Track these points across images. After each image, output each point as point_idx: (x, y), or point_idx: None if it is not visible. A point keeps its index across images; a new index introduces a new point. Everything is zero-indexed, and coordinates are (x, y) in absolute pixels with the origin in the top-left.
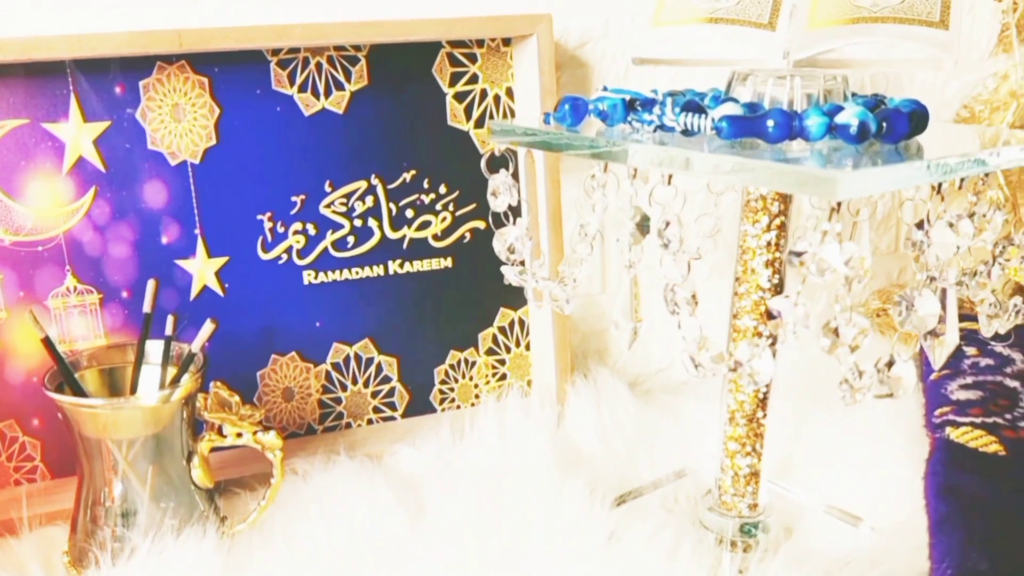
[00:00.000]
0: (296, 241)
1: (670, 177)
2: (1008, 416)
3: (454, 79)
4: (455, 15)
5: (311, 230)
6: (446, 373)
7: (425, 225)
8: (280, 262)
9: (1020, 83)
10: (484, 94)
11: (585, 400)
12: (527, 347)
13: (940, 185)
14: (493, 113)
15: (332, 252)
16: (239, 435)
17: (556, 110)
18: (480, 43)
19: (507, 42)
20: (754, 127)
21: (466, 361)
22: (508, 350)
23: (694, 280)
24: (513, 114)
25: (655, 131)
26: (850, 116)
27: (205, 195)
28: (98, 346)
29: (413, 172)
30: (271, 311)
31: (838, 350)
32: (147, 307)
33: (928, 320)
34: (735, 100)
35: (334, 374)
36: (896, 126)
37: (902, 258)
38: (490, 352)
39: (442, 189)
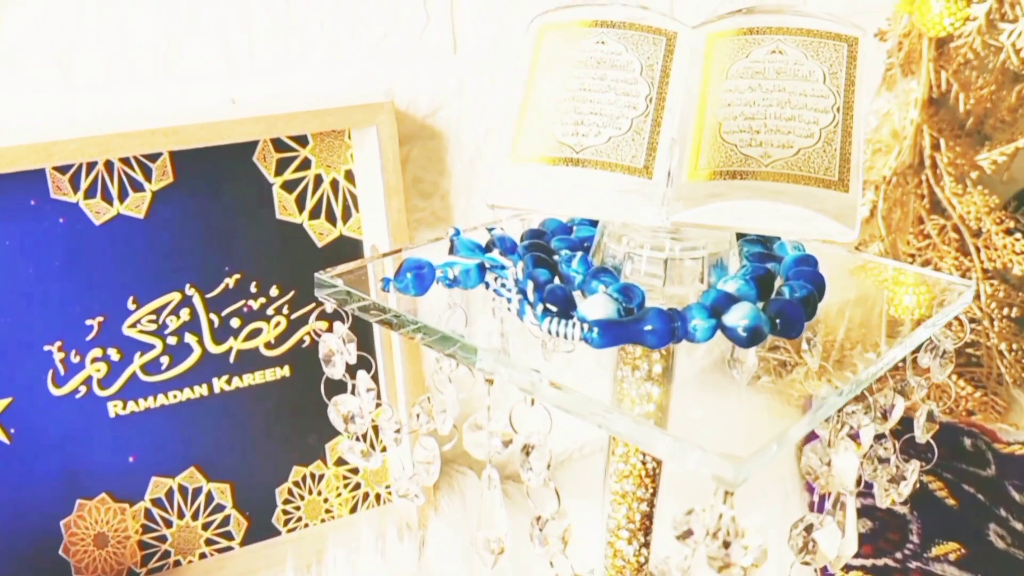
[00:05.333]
0: (96, 370)
1: (532, 399)
2: (899, 555)
3: (281, 166)
4: (276, 111)
5: (114, 355)
6: (290, 492)
7: (255, 334)
8: (78, 396)
9: (903, 124)
10: (319, 180)
11: (450, 517)
12: (383, 450)
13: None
14: (331, 201)
15: (142, 377)
16: None
17: (397, 275)
18: None
19: None
20: (630, 333)
21: (312, 476)
22: None
23: (565, 511)
24: (355, 200)
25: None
26: (739, 318)
27: None
28: None
29: (237, 276)
30: (72, 452)
31: None
32: None
33: (830, 554)
34: (607, 274)
35: (155, 511)
36: (792, 322)
37: None
38: (340, 462)
39: (273, 292)
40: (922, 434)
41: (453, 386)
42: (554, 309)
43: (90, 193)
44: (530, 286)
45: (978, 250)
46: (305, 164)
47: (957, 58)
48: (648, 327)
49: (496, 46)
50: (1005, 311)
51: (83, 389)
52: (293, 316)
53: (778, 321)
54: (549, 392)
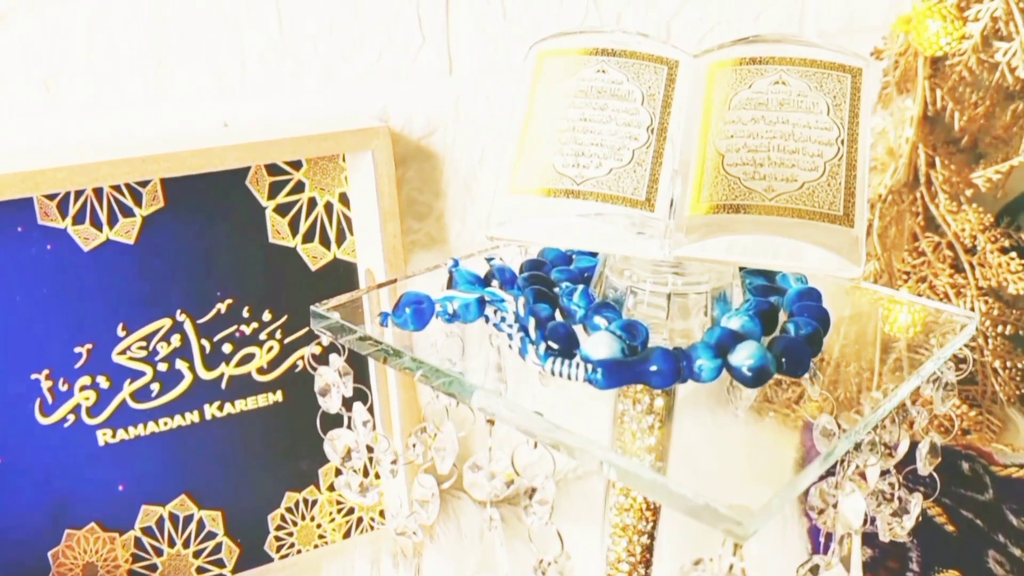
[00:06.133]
0: (85, 398)
1: (536, 442)
2: None
3: (274, 190)
4: (270, 136)
5: (103, 383)
6: (282, 518)
7: (248, 359)
8: (66, 424)
9: (899, 142)
10: (313, 203)
11: (445, 544)
12: (376, 476)
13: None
14: (325, 224)
15: (132, 404)
16: None
17: (395, 310)
18: None
19: None
20: (635, 374)
21: (306, 501)
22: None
23: (569, 553)
24: (350, 224)
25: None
26: (744, 358)
27: None
28: None
29: (229, 301)
30: (60, 482)
31: None
32: None
33: None
34: (609, 309)
35: (145, 540)
36: (798, 361)
37: None
38: (334, 488)
39: (266, 316)
40: (925, 467)
41: (452, 423)
42: (556, 347)
43: (79, 219)
44: (532, 323)
45: (972, 268)
46: (299, 187)
47: (952, 76)
48: (653, 367)
49: (492, 67)
50: (999, 329)
51: (71, 418)
52: (286, 341)
53: (784, 360)
54: (548, 433)
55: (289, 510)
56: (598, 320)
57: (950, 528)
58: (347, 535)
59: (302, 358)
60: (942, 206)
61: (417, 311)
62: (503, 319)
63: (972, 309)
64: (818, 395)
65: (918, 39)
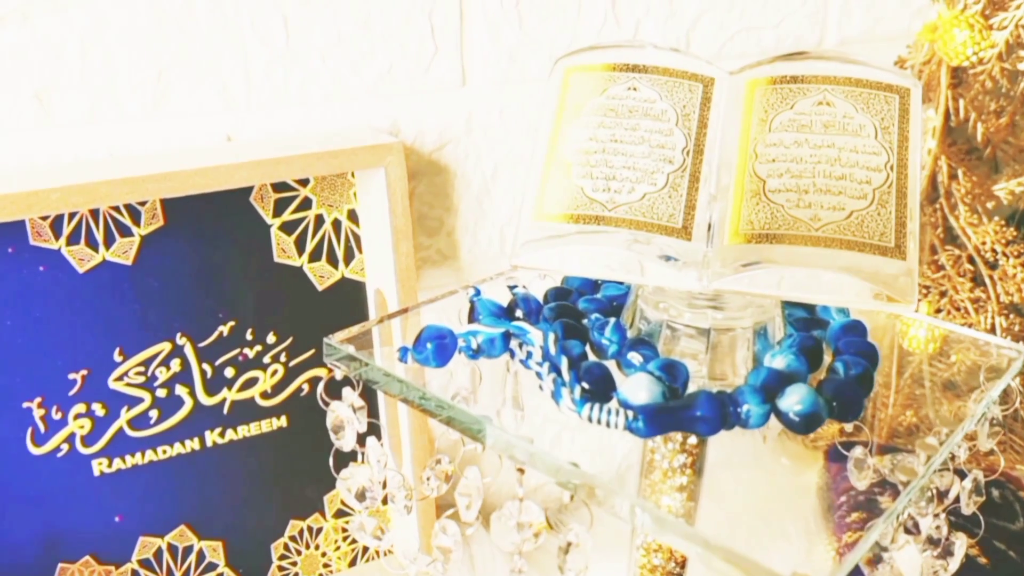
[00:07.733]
0: (79, 427)
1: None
2: None
3: (280, 207)
4: (276, 153)
5: (98, 411)
6: (285, 547)
7: (251, 383)
8: (60, 454)
9: (922, 155)
10: (320, 221)
11: (456, 574)
12: (384, 502)
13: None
14: (332, 242)
15: (129, 432)
16: None
17: (416, 344)
18: None
19: None
20: (679, 421)
21: (310, 529)
22: None
23: None
24: (358, 241)
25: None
26: (794, 403)
27: None
28: None
29: (231, 324)
30: (53, 514)
31: None
32: None
33: None
34: (645, 346)
35: (143, 573)
36: (851, 405)
37: None
38: (339, 514)
39: (270, 339)
40: (968, 506)
41: (477, 468)
42: (591, 390)
43: (73, 239)
44: (564, 364)
45: (994, 282)
46: (305, 204)
47: (976, 86)
48: (698, 413)
49: (507, 78)
50: (1021, 345)
51: (65, 447)
52: (291, 364)
53: (835, 404)
54: (578, 477)
55: (293, 539)
56: (633, 357)
57: (983, 561)
58: (352, 563)
59: (308, 382)
60: (962, 218)
61: (440, 347)
62: (529, 355)
63: (993, 326)
64: (851, 427)
65: (944, 48)
